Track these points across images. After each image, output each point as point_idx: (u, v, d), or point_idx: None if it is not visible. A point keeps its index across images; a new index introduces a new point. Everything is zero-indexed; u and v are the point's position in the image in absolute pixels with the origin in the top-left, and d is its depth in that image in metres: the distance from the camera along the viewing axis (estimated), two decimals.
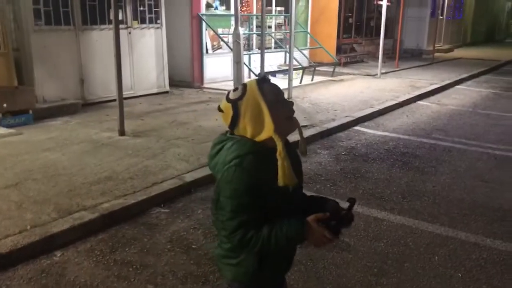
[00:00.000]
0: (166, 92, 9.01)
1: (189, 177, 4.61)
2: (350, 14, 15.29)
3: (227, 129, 1.74)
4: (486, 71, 14.13)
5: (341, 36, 14.60)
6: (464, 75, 12.54)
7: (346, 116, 7.40)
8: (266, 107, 1.61)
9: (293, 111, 1.69)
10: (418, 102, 9.33)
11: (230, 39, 10.14)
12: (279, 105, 1.64)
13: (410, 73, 12.90)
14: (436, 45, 17.43)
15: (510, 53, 19.05)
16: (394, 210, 4.26)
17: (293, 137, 1.78)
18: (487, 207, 4.37)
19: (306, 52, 12.20)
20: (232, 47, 9.34)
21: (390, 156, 5.82)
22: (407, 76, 12.35)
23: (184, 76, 9.75)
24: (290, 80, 8.86)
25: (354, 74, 12.36)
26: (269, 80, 1.70)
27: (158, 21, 8.76)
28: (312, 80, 10.87)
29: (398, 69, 13.48)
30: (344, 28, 14.93)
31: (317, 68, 11.53)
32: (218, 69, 10.16)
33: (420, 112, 8.47)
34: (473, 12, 24.77)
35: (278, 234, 1.59)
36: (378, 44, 17.04)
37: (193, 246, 3.56)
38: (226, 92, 1.76)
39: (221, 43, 10.14)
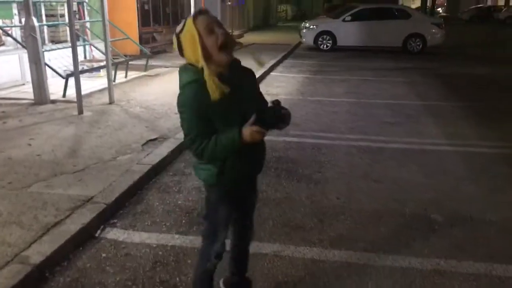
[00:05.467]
0: None
1: (35, 254, 2.97)
2: (146, 0, 13.92)
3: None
4: (286, 56, 14.60)
5: (140, 25, 13.19)
6: (272, 62, 12.59)
7: None
8: (197, 36, 1.87)
9: (222, 38, 1.88)
10: None
11: (16, 32, 7.94)
12: (208, 35, 1.87)
13: None
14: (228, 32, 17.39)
15: (292, 36, 20.31)
16: (324, 242, 3.47)
17: None
18: (404, 214, 3.94)
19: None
20: (22, 42, 7.25)
21: (267, 164, 5.01)
22: None
23: None
24: (110, 80, 7.25)
25: (166, 67, 11.21)
26: (206, 12, 1.94)
27: None
28: (126, 77, 9.36)
29: None
30: (142, 16, 13.52)
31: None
32: (3, 72, 7.83)
33: None
34: None
35: (222, 140, 1.92)
36: None
37: None
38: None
39: (4, 37, 7.81)
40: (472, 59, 15.26)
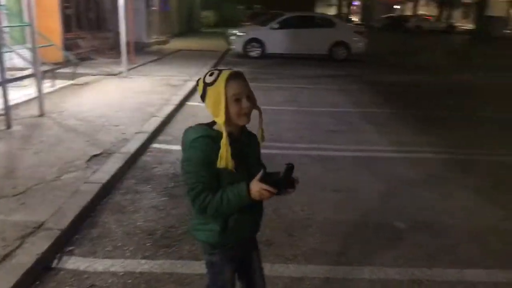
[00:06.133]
0: None
1: None
2: (68, 4, 13.16)
3: None
4: (217, 63, 14.46)
5: (63, 31, 12.43)
6: (205, 69, 12.42)
7: (137, 133, 5.99)
8: (224, 100, 1.85)
9: (246, 110, 1.89)
10: (187, 103, 8.54)
11: None
12: (235, 102, 1.87)
13: (152, 70, 12.00)
14: (153, 37, 16.94)
15: (218, 42, 20.21)
16: (298, 257, 3.39)
17: None
18: (368, 224, 3.98)
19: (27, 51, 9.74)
20: None
21: None
22: (152, 73, 11.40)
23: None
24: (40, 91, 6.71)
25: (93, 75, 10.62)
26: (241, 76, 1.90)
27: None
28: (53, 86, 8.72)
29: (136, 65, 12.36)
30: (65, 21, 12.75)
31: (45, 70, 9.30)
32: None
33: (202, 115, 7.71)
34: (177, 4, 25.47)
35: (229, 194, 1.85)
36: (102, 39, 15.52)
37: None
38: None
39: None
40: (390, 66, 16.13)
